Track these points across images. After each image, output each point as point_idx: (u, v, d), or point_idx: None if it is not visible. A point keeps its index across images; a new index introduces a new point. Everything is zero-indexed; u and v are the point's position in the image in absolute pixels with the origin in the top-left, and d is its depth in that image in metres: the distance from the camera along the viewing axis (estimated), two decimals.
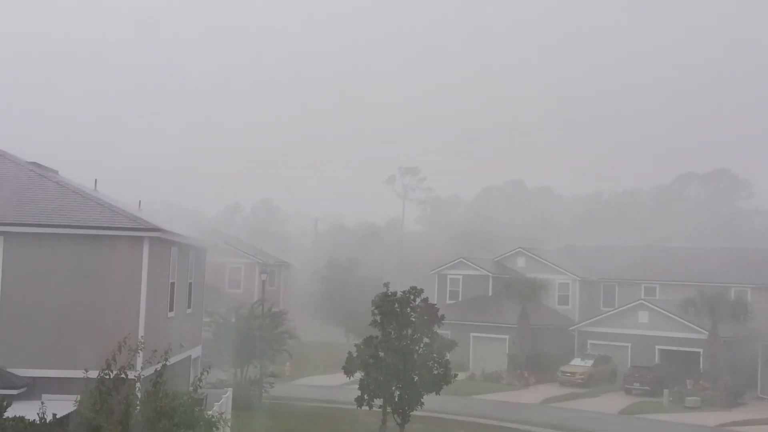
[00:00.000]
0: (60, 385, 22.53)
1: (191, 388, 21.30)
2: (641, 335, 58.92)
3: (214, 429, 21.51)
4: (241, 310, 46.16)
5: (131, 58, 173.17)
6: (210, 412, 23.55)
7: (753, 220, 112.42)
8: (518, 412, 46.75)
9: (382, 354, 32.07)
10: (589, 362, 58.49)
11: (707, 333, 54.45)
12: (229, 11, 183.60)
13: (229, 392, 33.62)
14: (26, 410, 19.10)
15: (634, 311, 60.11)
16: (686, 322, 56.56)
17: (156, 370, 19.28)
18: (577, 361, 59.07)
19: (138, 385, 19.29)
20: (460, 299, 67.96)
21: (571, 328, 62.66)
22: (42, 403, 19.36)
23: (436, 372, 32.07)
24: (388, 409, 32.56)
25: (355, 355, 32.73)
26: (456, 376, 33.20)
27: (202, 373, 21.35)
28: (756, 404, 52.12)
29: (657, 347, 58.38)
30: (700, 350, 56.09)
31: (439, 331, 33.34)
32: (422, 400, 32.21)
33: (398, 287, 33.34)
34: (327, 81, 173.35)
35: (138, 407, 18.89)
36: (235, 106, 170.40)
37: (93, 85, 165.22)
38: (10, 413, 18.89)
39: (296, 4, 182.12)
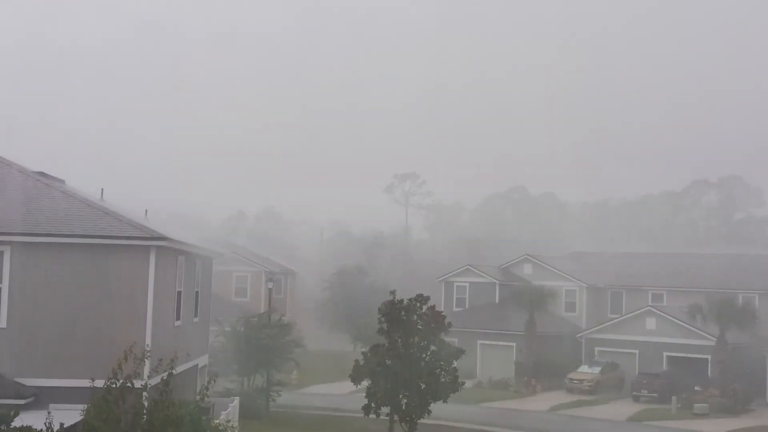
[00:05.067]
0: (67, 395, 22.52)
1: (198, 397, 21.28)
2: (649, 342, 58.75)
3: None
4: (251, 318, 46.19)
5: (134, 64, 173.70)
6: (217, 421, 23.56)
7: (764, 228, 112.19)
8: (525, 419, 46.66)
9: (389, 362, 32.02)
10: (597, 369, 58.32)
11: (715, 339, 54.24)
12: (233, 19, 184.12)
13: (236, 401, 33.62)
14: (33, 420, 19.09)
15: (641, 318, 59.95)
16: (694, 329, 56.37)
17: (162, 379, 19.26)
18: (584, 368, 58.90)
19: (145, 394, 19.27)
20: (466, 307, 67.88)
21: (578, 335, 62.53)
22: (49, 412, 19.36)
23: (443, 380, 32.01)
24: (396, 417, 32.50)
25: (362, 363, 32.70)
26: (463, 383, 33.11)
27: (209, 382, 21.34)
28: (765, 411, 51.84)
29: (665, 354, 58.20)
30: (708, 357, 55.90)
31: (446, 339, 33.28)
32: (429, 407, 32.14)
33: (405, 295, 33.29)
34: (326, 88, 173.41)
35: (145, 416, 18.85)
36: (235, 113, 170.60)
37: (95, 92, 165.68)
38: (17, 423, 18.90)
39: (297, 14, 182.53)
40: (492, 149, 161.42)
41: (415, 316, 32.28)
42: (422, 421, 32.71)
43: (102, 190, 31.63)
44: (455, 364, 32.91)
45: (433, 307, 32.94)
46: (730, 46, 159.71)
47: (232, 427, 23.20)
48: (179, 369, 23.16)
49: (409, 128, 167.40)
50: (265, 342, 43.83)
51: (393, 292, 32.93)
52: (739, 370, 54.08)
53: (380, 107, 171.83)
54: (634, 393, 55.05)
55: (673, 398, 51.70)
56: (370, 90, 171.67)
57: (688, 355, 57.16)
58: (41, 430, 18.56)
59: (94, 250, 24.00)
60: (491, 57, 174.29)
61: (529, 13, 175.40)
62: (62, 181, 29.40)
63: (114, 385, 18.75)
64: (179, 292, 27.53)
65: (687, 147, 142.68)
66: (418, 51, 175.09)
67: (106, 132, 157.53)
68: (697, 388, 53.81)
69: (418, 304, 32.41)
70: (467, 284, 68.99)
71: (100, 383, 18.94)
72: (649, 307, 60.90)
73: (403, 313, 32.19)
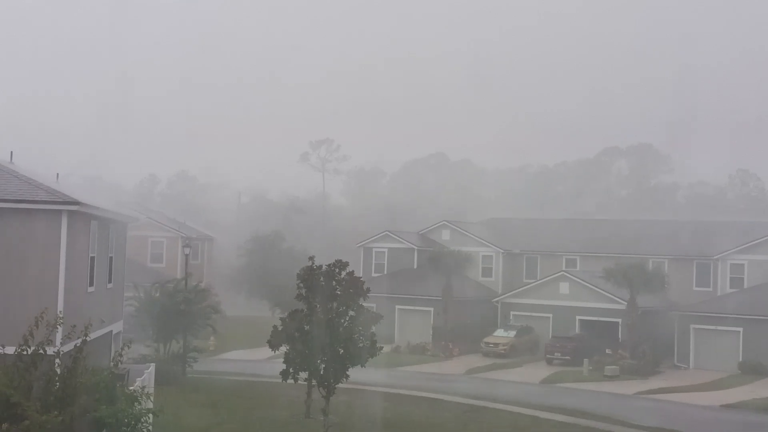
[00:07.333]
0: None
1: (112, 364, 21.00)
2: (562, 306, 59.99)
3: (135, 404, 21.29)
4: (167, 284, 45.58)
5: (46, 25, 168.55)
6: (132, 388, 23.27)
7: (675, 194, 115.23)
8: (442, 382, 47.27)
9: (307, 327, 32.05)
10: (512, 333, 59.40)
11: (626, 303, 55.63)
12: None
13: (152, 367, 33.24)
14: None
15: (555, 283, 61.14)
16: (605, 293, 57.76)
17: (75, 346, 18.94)
18: (499, 332, 59.93)
19: (57, 361, 18.93)
20: (385, 272, 68.22)
21: (494, 300, 63.49)
22: None
23: (361, 344, 32.16)
24: (314, 383, 32.62)
25: (280, 329, 32.67)
26: (381, 348, 33.32)
27: (122, 348, 21.07)
28: (672, 372, 53.57)
29: (577, 318, 59.54)
30: (619, 320, 57.33)
31: (364, 304, 33.41)
32: (347, 372, 32.30)
33: (324, 260, 33.30)
34: (245, 56, 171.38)
35: (57, 383, 18.53)
36: (153, 75, 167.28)
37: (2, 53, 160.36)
38: None
39: None
40: (412, 116, 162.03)
41: (333, 282, 32.32)
42: (340, 385, 32.89)
43: (11, 153, 30.72)
44: (373, 329, 33.10)
45: (352, 272, 33.00)
46: (640, 15, 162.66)
47: (147, 393, 22.94)
48: (93, 336, 22.78)
49: (330, 96, 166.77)
50: (182, 307, 43.39)
51: (312, 258, 32.93)
52: (649, 333, 55.64)
53: (296, 74, 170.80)
54: (548, 356, 56.24)
55: (585, 361, 52.96)
56: (293, 59, 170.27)
57: (600, 319, 58.55)
58: None
59: (3, 215, 23.34)
60: (415, 31, 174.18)
61: None
62: None
63: (25, 352, 18.39)
64: (92, 258, 27.02)
65: (600, 115, 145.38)
66: (340, 23, 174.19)
67: (15, 94, 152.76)
68: (608, 350, 55.21)
69: (337, 270, 32.44)
70: (386, 250, 69.33)
71: (11, 350, 18.54)
72: (562, 272, 62.11)
73: (321, 278, 32.22)
